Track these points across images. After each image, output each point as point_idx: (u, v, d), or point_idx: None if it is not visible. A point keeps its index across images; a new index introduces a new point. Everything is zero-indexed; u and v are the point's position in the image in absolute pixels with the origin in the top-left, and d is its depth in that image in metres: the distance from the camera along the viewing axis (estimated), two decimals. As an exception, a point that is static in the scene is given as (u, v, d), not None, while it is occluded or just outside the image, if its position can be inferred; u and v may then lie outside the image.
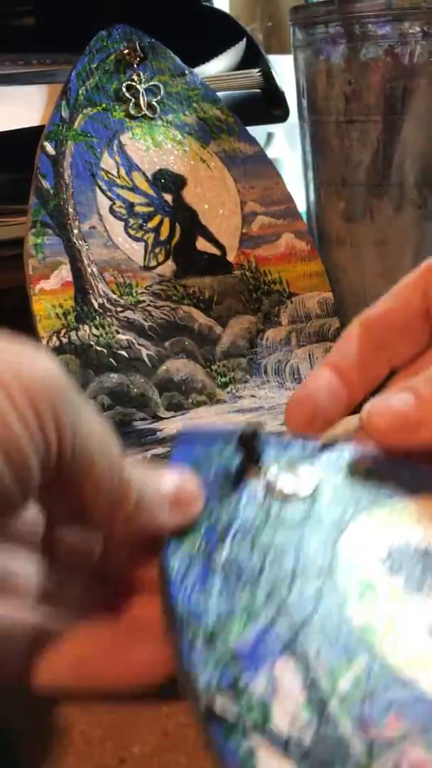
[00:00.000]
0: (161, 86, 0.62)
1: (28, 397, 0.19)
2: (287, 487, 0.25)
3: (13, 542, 0.25)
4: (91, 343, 0.57)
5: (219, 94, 0.65)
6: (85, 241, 0.59)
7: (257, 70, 0.70)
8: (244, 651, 0.20)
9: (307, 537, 0.23)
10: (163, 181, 0.63)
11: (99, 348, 0.58)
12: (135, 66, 0.61)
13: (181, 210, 0.63)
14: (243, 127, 0.65)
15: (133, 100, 0.61)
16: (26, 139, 0.59)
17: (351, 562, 0.22)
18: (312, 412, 0.29)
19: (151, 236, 0.62)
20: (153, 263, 0.62)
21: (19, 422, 0.19)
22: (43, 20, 0.78)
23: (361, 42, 0.59)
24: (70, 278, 0.58)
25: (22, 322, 0.56)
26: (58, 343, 0.56)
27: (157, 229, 0.62)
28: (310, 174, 0.69)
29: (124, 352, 0.58)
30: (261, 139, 0.79)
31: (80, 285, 0.58)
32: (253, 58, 0.71)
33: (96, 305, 0.58)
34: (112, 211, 0.61)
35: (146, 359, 0.59)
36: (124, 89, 0.61)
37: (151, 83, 0.62)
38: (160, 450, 0.55)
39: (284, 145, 1.01)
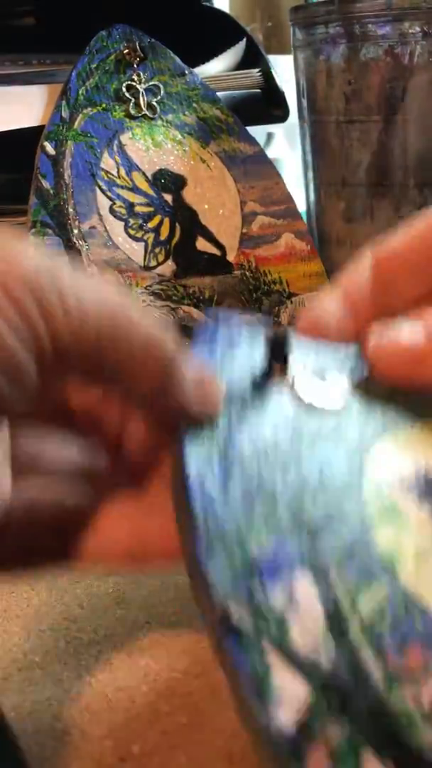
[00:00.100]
0: (161, 86, 0.62)
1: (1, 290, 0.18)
2: (314, 396, 0.23)
3: (40, 425, 0.26)
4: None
5: (219, 94, 0.65)
6: (85, 241, 0.59)
7: (257, 70, 0.70)
8: (263, 561, 0.19)
9: (331, 451, 0.22)
10: (163, 181, 0.63)
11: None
12: (135, 66, 0.61)
13: (181, 210, 0.63)
14: (243, 127, 0.65)
15: (133, 100, 0.61)
16: (26, 139, 0.59)
17: (377, 484, 0.21)
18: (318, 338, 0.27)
19: (151, 236, 0.62)
20: (153, 263, 0.62)
21: None
22: (43, 20, 0.78)
23: (361, 42, 0.59)
24: (70, 278, 0.58)
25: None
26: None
27: (157, 229, 0.62)
28: (310, 174, 0.69)
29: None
30: (261, 139, 0.79)
31: (80, 285, 0.58)
32: (253, 58, 0.71)
33: (96, 305, 0.58)
34: (112, 211, 0.61)
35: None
36: (124, 89, 0.61)
37: (151, 83, 0.62)
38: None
39: (284, 145, 1.01)
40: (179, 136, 0.63)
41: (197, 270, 0.63)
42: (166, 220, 0.63)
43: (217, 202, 0.64)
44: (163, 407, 0.22)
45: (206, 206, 0.64)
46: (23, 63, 0.66)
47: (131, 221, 0.61)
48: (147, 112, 0.62)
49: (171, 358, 0.22)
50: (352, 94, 0.61)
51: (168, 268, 0.62)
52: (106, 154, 0.61)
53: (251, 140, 0.65)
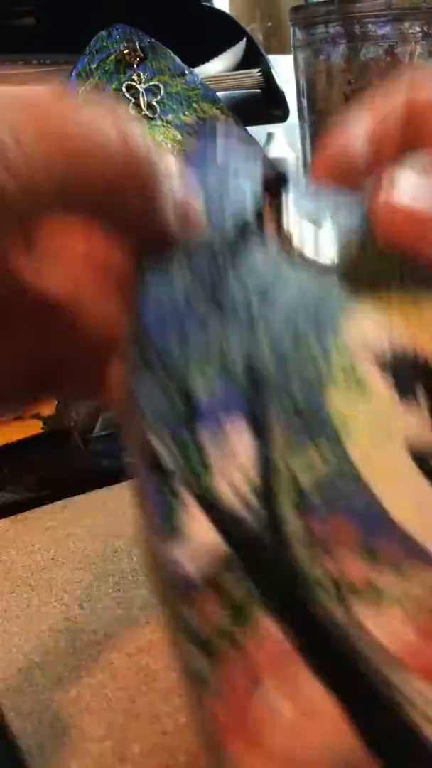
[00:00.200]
0: (161, 86, 0.62)
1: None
2: (302, 244, 0.21)
3: None
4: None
5: (219, 94, 0.65)
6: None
7: (257, 70, 0.70)
8: (201, 401, 0.17)
9: (303, 305, 0.20)
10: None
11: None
12: (135, 66, 0.61)
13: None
14: (243, 127, 0.65)
15: (133, 100, 0.61)
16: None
17: (343, 347, 0.19)
18: (341, 170, 0.23)
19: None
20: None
21: None
22: (43, 20, 0.77)
23: (361, 42, 0.59)
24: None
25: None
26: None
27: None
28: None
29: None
30: (261, 139, 0.79)
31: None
32: (253, 58, 0.71)
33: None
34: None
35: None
36: (124, 89, 0.61)
37: (151, 83, 0.62)
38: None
39: (284, 145, 1.01)
40: (179, 136, 0.63)
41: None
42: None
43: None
44: (139, 228, 0.20)
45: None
46: (23, 63, 0.66)
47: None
48: (147, 112, 0.62)
49: (153, 175, 0.19)
50: (352, 94, 0.61)
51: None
52: (106, 154, 0.61)
53: (251, 140, 0.65)
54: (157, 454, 0.17)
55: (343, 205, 0.22)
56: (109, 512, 0.51)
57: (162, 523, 0.16)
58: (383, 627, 0.15)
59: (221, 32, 0.72)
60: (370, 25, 0.58)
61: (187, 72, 0.63)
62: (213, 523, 0.16)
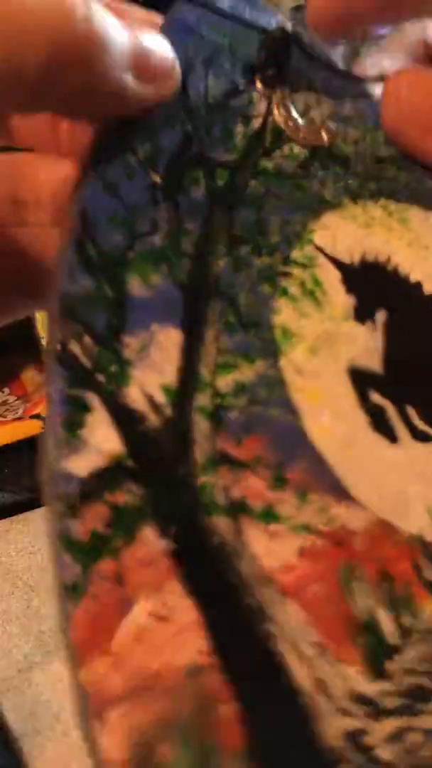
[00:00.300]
0: None
1: None
2: (295, 127, 0.19)
3: None
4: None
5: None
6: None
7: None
8: (135, 300, 0.16)
9: (277, 202, 0.18)
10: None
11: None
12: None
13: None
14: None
15: None
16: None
17: (309, 255, 0.18)
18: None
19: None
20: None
21: None
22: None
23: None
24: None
25: (22, 323, 0.56)
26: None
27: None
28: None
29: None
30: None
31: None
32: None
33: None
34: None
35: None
36: None
37: None
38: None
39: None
40: None
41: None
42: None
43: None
44: (87, 101, 0.17)
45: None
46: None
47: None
48: None
49: (94, 44, 0.16)
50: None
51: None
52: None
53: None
54: (73, 354, 0.15)
55: (348, 83, 0.20)
56: (108, 513, 0.51)
57: (64, 431, 0.15)
58: (269, 550, 0.15)
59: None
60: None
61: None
62: (115, 425, 0.15)
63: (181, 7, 0.19)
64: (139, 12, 0.18)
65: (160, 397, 0.15)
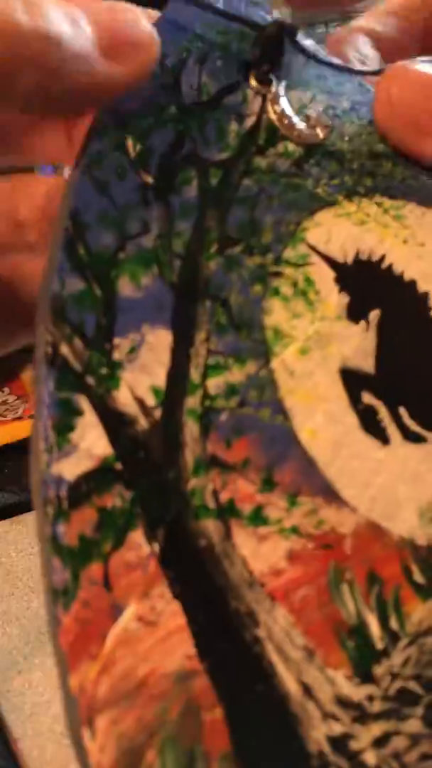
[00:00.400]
0: None
1: None
2: (286, 121, 0.19)
3: None
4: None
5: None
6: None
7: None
8: (124, 300, 0.16)
9: (269, 199, 0.18)
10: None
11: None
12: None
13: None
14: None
15: None
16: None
17: (301, 254, 0.18)
18: None
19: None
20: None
21: None
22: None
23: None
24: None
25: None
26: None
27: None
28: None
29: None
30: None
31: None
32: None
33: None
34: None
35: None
36: None
37: None
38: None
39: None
40: None
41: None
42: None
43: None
44: (63, 93, 0.16)
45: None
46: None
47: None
48: None
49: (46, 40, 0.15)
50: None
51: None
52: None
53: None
54: (63, 356, 0.15)
55: (343, 78, 0.20)
56: (109, 513, 0.51)
57: (54, 434, 0.15)
58: (258, 553, 0.15)
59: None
60: (370, 25, 0.58)
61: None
62: (105, 428, 0.15)
63: (175, 5, 0.18)
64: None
65: (150, 400, 0.15)
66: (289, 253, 0.18)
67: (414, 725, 0.14)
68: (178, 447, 0.15)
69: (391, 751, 0.14)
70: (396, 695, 0.15)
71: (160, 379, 0.16)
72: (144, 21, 0.17)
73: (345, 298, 0.18)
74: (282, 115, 0.18)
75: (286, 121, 0.18)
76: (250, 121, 0.18)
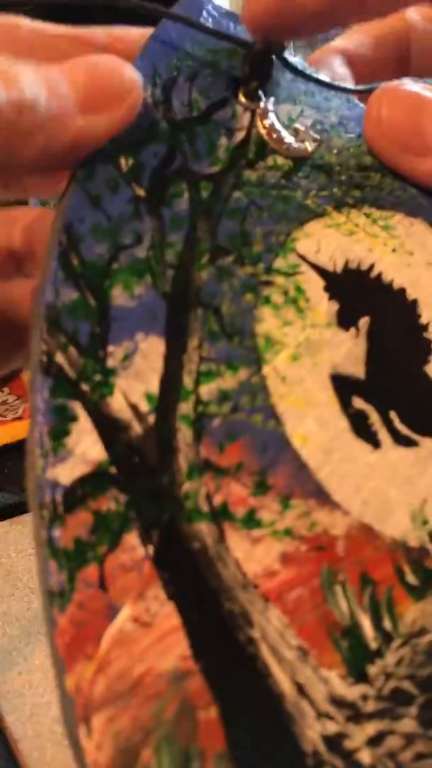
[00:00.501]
0: None
1: None
2: (275, 135, 0.19)
3: None
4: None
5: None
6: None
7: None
8: (116, 309, 0.16)
9: (259, 212, 0.18)
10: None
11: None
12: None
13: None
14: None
15: None
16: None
17: (292, 263, 0.18)
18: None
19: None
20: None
21: None
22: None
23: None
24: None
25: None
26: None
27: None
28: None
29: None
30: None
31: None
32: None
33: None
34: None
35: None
36: None
37: None
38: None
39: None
40: None
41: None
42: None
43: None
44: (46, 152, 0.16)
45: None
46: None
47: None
48: None
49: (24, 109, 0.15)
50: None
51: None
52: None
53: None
54: (58, 364, 0.15)
55: (331, 93, 0.20)
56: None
57: (49, 440, 0.15)
58: (251, 555, 0.15)
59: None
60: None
61: None
62: (99, 434, 0.15)
63: (166, 25, 0.19)
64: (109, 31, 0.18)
65: (144, 406, 0.16)
66: (279, 263, 0.18)
67: (408, 725, 0.15)
68: (172, 452, 0.15)
69: (385, 750, 0.14)
70: (390, 695, 0.15)
71: (154, 386, 0.16)
72: (126, 68, 0.17)
73: (335, 306, 0.18)
74: (271, 129, 0.19)
75: (275, 135, 0.19)
76: (239, 136, 0.18)
